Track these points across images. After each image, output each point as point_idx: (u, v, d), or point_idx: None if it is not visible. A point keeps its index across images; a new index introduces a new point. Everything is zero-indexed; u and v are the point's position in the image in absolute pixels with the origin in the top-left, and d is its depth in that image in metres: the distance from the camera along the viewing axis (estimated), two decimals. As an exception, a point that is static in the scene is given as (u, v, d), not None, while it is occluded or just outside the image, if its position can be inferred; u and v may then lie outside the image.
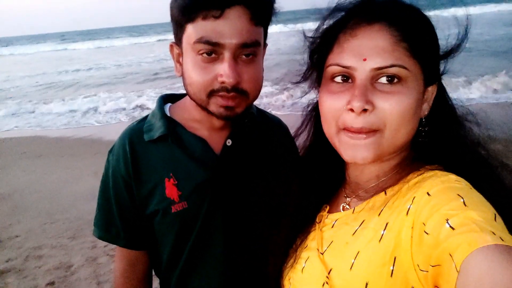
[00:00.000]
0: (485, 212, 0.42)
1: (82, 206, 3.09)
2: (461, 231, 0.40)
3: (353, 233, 0.54)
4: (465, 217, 0.41)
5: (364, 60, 0.51)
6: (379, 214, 0.52)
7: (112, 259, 2.31)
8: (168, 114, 0.80)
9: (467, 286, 0.36)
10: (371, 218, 0.53)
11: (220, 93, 0.66)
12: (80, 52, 21.42)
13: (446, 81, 0.59)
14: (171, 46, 0.74)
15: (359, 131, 0.52)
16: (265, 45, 0.74)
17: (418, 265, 0.44)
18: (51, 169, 4.01)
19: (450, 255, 0.39)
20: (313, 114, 0.66)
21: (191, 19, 0.64)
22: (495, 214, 0.42)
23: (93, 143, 4.79)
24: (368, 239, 0.51)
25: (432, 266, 0.42)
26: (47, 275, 2.31)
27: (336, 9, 0.55)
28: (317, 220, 0.64)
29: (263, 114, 0.89)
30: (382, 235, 0.50)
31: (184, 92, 0.77)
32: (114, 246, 0.80)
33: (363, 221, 0.54)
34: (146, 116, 0.82)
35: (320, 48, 0.58)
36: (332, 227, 0.60)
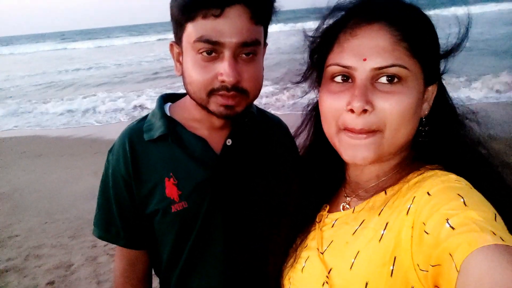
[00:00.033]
0: (485, 212, 0.42)
1: (82, 206, 3.09)
2: (461, 231, 0.40)
3: (353, 233, 0.54)
4: (465, 217, 0.41)
5: (364, 60, 0.51)
6: (379, 214, 0.52)
7: (112, 259, 2.31)
8: (168, 114, 0.80)
9: (467, 286, 0.36)
10: (371, 217, 0.53)
11: (220, 92, 0.66)
12: (80, 51, 21.42)
13: (446, 80, 0.59)
14: (171, 45, 0.74)
15: (359, 132, 0.52)
16: (265, 44, 0.74)
17: (418, 265, 0.44)
18: (51, 169, 4.01)
19: (450, 254, 0.39)
20: (313, 113, 0.66)
21: (191, 18, 0.64)
22: (495, 214, 0.42)
23: (93, 143, 4.79)
24: (368, 238, 0.51)
25: (432, 266, 0.42)
26: (47, 275, 2.31)
27: (336, 8, 0.55)
28: (317, 219, 0.64)
29: (263, 114, 0.89)
30: (382, 234, 0.50)
31: (184, 91, 0.77)
32: (114, 245, 0.80)
33: (363, 220, 0.54)
34: (146, 116, 0.82)
35: (320, 48, 0.58)
36: (332, 226, 0.60)
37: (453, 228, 0.41)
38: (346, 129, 0.53)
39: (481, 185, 0.47)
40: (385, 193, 0.55)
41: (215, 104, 0.68)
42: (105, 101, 7.11)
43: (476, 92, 5.44)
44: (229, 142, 0.77)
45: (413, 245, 0.46)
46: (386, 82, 0.51)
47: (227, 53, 0.64)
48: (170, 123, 0.76)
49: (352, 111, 0.51)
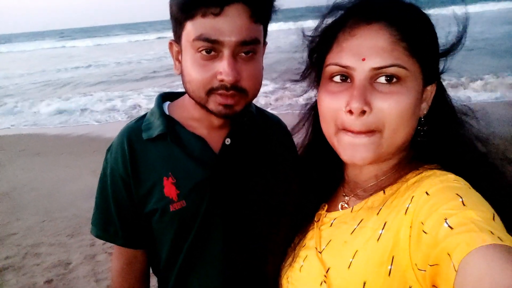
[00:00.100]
0: (483, 212, 0.42)
1: (81, 204, 3.09)
2: (459, 231, 0.40)
3: (352, 232, 0.54)
4: (464, 217, 0.41)
5: (363, 60, 0.50)
6: (378, 213, 0.52)
7: (111, 257, 2.31)
8: (167, 113, 0.79)
9: (465, 285, 0.36)
10: (369, 217, 0.53)
11: (219, 91, 0.66)
12: (79, 49, 21.36)
13: (446, 80, 0.58)
14: (170, 43, 0.74)
15: (358, 133, 0.52)
16: (265, 43, 0.74)
17: (416, 265, 0.45)
18: (50, 167, 4.01)
19: (449, 254, 0.39)
20: (312, 113, 0.66)
21: (190, 16, 0.63)
22: (493, 214, 0.42)
23: (91, 141, 4.78)
24: (366, 238, 0.51)
25: (430, 265, 0.42)
26: (46, 273, 2.31)
27: (335, 8, 0.55)
28: (315, 219, 0.64)
29: (262, 113, 0.89)
30: (381, 234, 0.50)
31: (183, 90, 0.76)
32: (112, 244, 0.80)
33: (362, 220, 0.54)
34: (145, 115, 0.81)
35: (319, 47, 0.57)
36: (331, 226, 0.60)
37: (451, 227, 0.41)
38: (345, 129, 0.53)
39: (480, 184, 0.47)
40: (384, 192, 0.55)
41: (214, 103, 0.68)
42: (104, 99, 7.09)
43: (476, 92, 5.44)
44: (228, 141, 0.77)
45: (411, 244, 0.46)
46: (385, 82, 0.51)
47: (226, 52, 0.64)
48: (169, 122, 0.76)
49: (350, 112, 0.51)
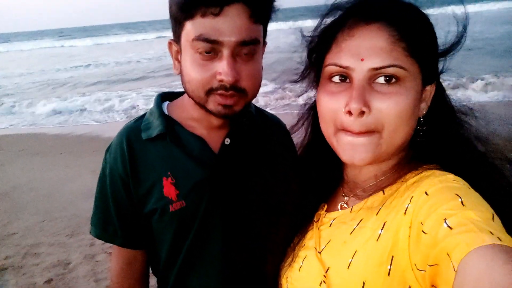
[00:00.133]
0: (483, 212, 0.42)
1: (80, 204, 3.09)
2: (459, 231, 0.40)
3: (351, 232, 0.54)
4: (463, 217, 0.41)
5: (362, 60, 0.50)
6: (377, 214, 0.52)
7: (110, 257, 2.31)
8: (166, 113, 0.79)
9: (465, 286, 0.36)
10: (369, 217, 0.53)
11: (219, 92, 0.66)
12: (78, 49, 21.31)
13: (446, 80, 0.58)
14: (170, 43, 0.74)
15: (357, 134, 0.52)
16: (265, 43, 0.74)
17: (415, 265, 0.45)
18: (49, 167, 4.00)
19: (448, 254, 0.39)
20: (311, 113, 0.66)
21: (189, 16, 0.63)
22: (493, 214, 0.42)
23: (91, 141, 4.78)
24: (365, 238, 0.51)
25: (430, 265, 0.42)
26: (45, 273, 2.30)
27: (334, 8, 0.55)
28: (315, 219, 0.64)
29: (261, 113, 0.89)
30: (380, 234, 0.50)
31: (182, 90, 0.76)
32: (112, 244, 0.80)
33: (361, 220, 0.54)
34: (144, 114, 0.81)
35: (318, 48, 0.57)
36: (330, 226, 0.60)
37: (451, 228, 0.41)
38: (344, 130, 0.53)
39: (480, 184, 0.47)
40: (383, 192, 0.55)
41: (214, 103, 0.68)
42: (103, 99, 7.08)
43: (476, 92, 5.44)
44: (227, 141, 0.77)
45: (410, 244, 0.46)
46: (384, 82, 0.51)
47: (225, 52, 0.64)
48: (168, 122, 0.76)
49: (350, 113, 0.51)
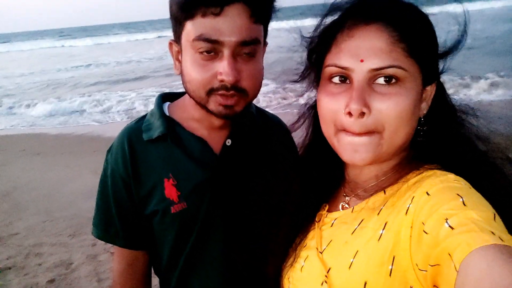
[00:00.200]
0: (484, 212, 0.42)
1: (82, 204, 3.09)
2: (460, 231, 0.40)
3: (352, 232, 0.54)
4: (465, 217, 0.41)
5: (361, 61, 0.50)
6: (378, 214, 0.52)
7: (112, 257, 2.31)
8: (167, 113, 0.79)
9: (466, 286, 0.36)
10: (370, 217, 0.53)
11: (220, 92, 0.66)
12: (79, 49, 21.32)
13: (446, 79, 0.58)
14: (170, 43, 0.74)
15: (358, 134, 0.52)
16: (265, 43, 0.74)
17: (417, 265, 0.45)
18: (50, 167, 4.01)
19: (449, 254, 0.39)
20: (312, 112, 0.65)
21: (190, 16, 0.63)
22: (494, 214, 0.42)
23: (91, 141, 4.79)
24: (367, 238, 0.51)
25: (431, 265, 0.42)
26: (48, 273, 2.31)
27: (333, 8, 0.55)
28: (316, 219, 0.64)
29: (262, 113, 0.89)
30: (381, 234, 0.50)
31: (183, 90, 0.76)
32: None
33: (362, 220, 0.54)
34: (145, 115, 0.81)
35: (318, 48, 0.57)
36: (331, 226, 0.60)
37: (452, 228, 0.41)
38: (345, 130, 0.53)
39: (481, 184, 0.47)
40: (384, 192, 0.55)
41: (214, 103, 0.68)
42: (104, 99, 7.09)
43: (477, 91, 5.41)
44: (228, 142, 0.77)
45: (412, 244, 0.46)
46: (383, 83, 0.51)
47: (226, 52, 0.63)
48: (169, 123, 0.76)
49: (350, 114, 0.51)
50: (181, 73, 0.71)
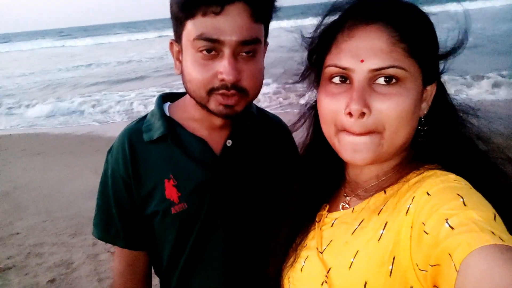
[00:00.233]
0: (484, 212, 0.42)
1: (82, 204, 3.10)
2: (460, 231, 0.40)
3: (353, 232, 0.54)
4: (465, 217, 0.41)
5: (362, 61, 0.50)
6: (379, 214, 0.52)
7: (113, 257, 2.32)
8: (168, 114, 0.79)
9: (466, 286, 0.36)
10: (370, 217, 0.53)
11: (220, 91, 0.66)
12: (79, 48, 21.32)
13: (447, 79, 0.58)
14: (171, 43, 0.74)
15: (358, 135, 0.52)
16: (266, 43, 0.74)
17: (417, 265, 0.45)
18: (51, 167, 4.01)
19: (450, 254, 0.39)
20: (312, 112, 0.65)
21: (190, 15, 0.63)
22: (494, 214, 0.42)
23: (92, 141, 4.79)
24: (367, 238, 0.51)
25: (431, 265, 0.42)
26: (48, 272, 2.32)
27: (333, 8, 0.55)
28: (316, 219, 0.64)
29: (263, 113, 0.89)
30: (381, 234, 0.50)
31: (184, 90, 0.76)
32: (114, 245, 0.80)
33: (363, 220, 0.54)
34: (145, 116, 0.81)
35: (318, 48, 0.57)
36: (332, 226, 0.60)
37: (452, 228, 0.41)
38: (345, 131, 0.53)
39: (482, 184, 0.47)
40: (385, 192, 0.55)
41: (215, 103, 0.67)
42: (105, 99, 7.09)
43: (478, 91, 5.40)
44: (229, 143, 0.77)
45: (412, 245, 0.46)
46: (384, 83, 0.51)
47: (227, 51, 0.63)
48: (170, 123, 0.76)
49: (350, 114, 0.51)
50: (182, 73, 0.71)
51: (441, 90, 0.57)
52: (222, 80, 0.64)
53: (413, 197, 0.48)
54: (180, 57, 0.71)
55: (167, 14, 0.70)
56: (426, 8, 0.53)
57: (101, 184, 0.78)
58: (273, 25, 0.74)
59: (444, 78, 0.58)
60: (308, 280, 0.57)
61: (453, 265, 0.38)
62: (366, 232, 0.52)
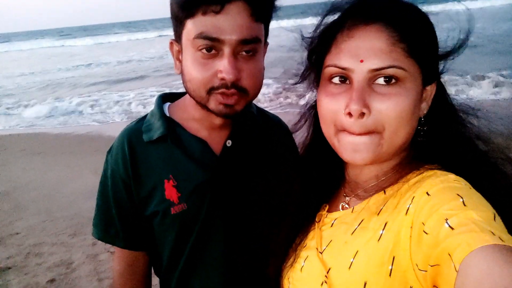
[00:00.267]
0: (484, 212, 0.42)
1: (82, 204, 3.10)
2: (460, 231, 0.40)
3: (352, 233, 0.54)
4: (465, 217, 0.41)
5: (361, 61, 0.50)
6: (378, 214, 0.52)
7: (113, 257, 2.31)
8: (167, 114, 0.79)
9: (466, 286, 0.36)
10: (370, 217, 0.53)
11: (220, 90, 0.66)
12: (79, 48, 21.30)
13: (447, 79, 0.58)
14: (171, 43, 0.74)
15: (358, 135, 0.52)
16: (266, 43, 0.74)
17: (417, 265, 0.45)
18: (51, 167, 4.01)
19: (449, 255, 0.39)
20: (312, 112, 0.65)
21: (191, 14, 0.63)
22: (494, 214, 0.42)
23: (92, 141, 4.79)
24: (367, 238, 0.51)
25: (431, 266, 0.42)
26: (48, 272, 2.32)
27: (333, 8, 0.55)
28: (316, 219, 0.64)
29: (263, 113, 0.89)
30: (381, 234, 0.50)
31: (183, 90, 0.76)
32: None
33: (362, 220, 0.54)
34: (145, 116, 0.81)
35: (318, 49, 0.57)
36: (331, 226, 0.60)
37: (452, 228, 0.41)
38: (345, 130, 0.53)
39: (482, 184, 0.47)
40: (384, 192, 0.55)
41: (215, 102, 0.67)
42: (105, 99, 7.09)
43: (479, 90, 5.40)
44: (229, 143, 0.77)
45: (412, 245, 0.46)
46: (383, 83, 0.51)
47: (227, 50, 0.63)
48: (169, 123, 0.76)
49: (350, 114, 0.51)
50: (182, 73, 0.71)
51: (441, 90, 0.57)
52: (222, 79, 0.64)
53: (413, 197, 0.48)
54: (180, 57, 0.71)
55: (167, 14, 0.70)
56: (426, 8, 0.53)
57: (101, 185, 0.78)
58: (273, 24, 0.74)
59: (444, 78, 0.58)
60: (308, 280, 0.57)
61: (453, 265, 0.38)
62: (366, 232, 0.52)
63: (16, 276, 2.31)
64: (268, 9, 0.69)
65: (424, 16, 0.53)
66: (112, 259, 2.32)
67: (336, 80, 0.54)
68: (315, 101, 0.63)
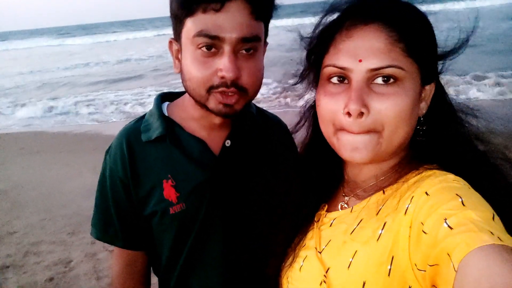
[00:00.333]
0: (483, 212, 0.42)
1: (81, 202, 3.09)
2: (459, 231, 0.40)
3: (351, 232, 0.54)
4: (464, 217, 0.41)
5: (360, 61, 0.50)
6: (377, 214, 0.52)
7: (111, 255, 2.31)
8: (166, 114, 0.79)
9: (465, 286, 0.36)
10: (369, 217, 0.53)
11: (220, 89, 0.65)
12: (77, 47, 21.23)
13: (446, 79, 0.58)
14: (170, 42, 0.73)
15: (357, 134, 0.52)
16: (266, 43, 0.73)
17: (415, 265, 0.45)
18: (50, 165, 4.00)
19: (448, 254, 0.39)
20: (311, 112, 0.65)
21: (190, 12, 0.63)
22: (493, 214, 0.42)
23: (90, 139, 4.78)
24: (366, 238, 0.51)
25: (430, 265, 0.42)
26: (46, 271, 2.31)
27: (332, 8, 0.55)
28: (315, 219, 0.64)
29: (262, 113, 0.88)
30: (380, 234, 0.50)
31: (183, 90, 0.76)
32: (112, 244, 0.80)
33: (361, 220, 0.54)
34: (144, 115, 0.81)
35: (317, 49, 0.57)
36: (330, 226, 0.60)
37: (451, 228, 0.41)
38: (344, 130, 0.53)
39: (481, 184, 0.47)
40: (383, 192, 0.55)
41: (214, 101, 0.67)
42: (103, 97, 7.08)
43: (479, 90, 5.40)
44: (228, 143, 0.76)
45: (410, 244, 0.46)
46: (382, 83, 0.51)
47: (226, 48, 0.63)
48: (168, 123, 0.76)
49: (349, 114, 0.51)
50: (181, 72, 0.71)
51: (440, 89, 0.57)
52: (222, 77, 0.64)
53: (412, 197, 0.48)
54: (180, 56, 0.71)
55: (166, 13, 0.70)
56: (424, 8, 0.53)
57: (99, 184, 0.78)
58: (273, 23, 0.74)
59: (444, 78, 0.58)
60: (307, 280, 0.57)
61: (452, 265, 0.38)
62: (365, 232, 0.52)
63: (15, 274, 2.30)
64: (268, 7, 0.68)
65: (423, 16, 0.53)
66: (110, 257, 2.32)
67: (335, 80, 0.54)
68: (314, 101, 0.63)
